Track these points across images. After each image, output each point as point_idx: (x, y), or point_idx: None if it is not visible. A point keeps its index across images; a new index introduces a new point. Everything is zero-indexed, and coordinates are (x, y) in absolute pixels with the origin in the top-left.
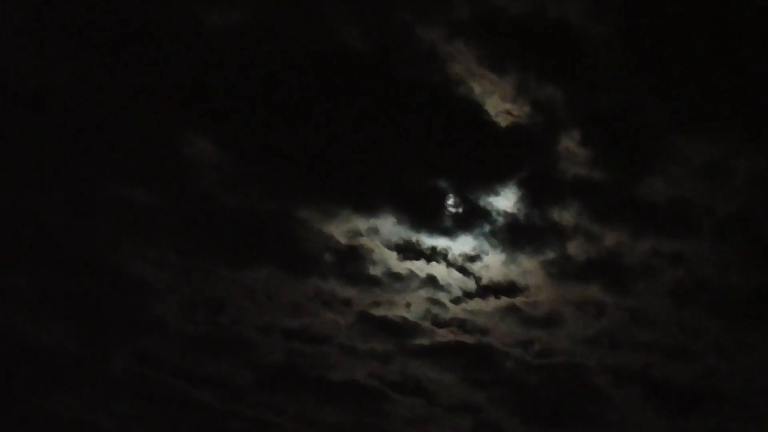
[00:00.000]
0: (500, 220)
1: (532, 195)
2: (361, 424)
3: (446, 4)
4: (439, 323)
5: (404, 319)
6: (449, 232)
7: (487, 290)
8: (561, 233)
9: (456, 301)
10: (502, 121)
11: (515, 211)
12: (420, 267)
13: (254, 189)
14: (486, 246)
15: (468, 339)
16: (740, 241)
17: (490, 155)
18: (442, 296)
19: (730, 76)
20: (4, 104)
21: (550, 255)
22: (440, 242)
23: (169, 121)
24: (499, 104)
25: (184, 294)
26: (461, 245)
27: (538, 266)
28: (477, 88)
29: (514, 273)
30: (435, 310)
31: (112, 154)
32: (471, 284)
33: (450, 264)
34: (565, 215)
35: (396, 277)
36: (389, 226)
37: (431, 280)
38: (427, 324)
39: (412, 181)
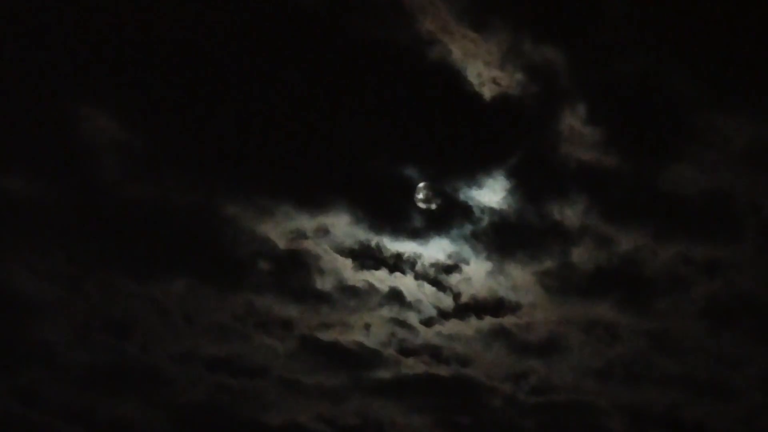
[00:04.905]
0: (485, 219)
1: (525, 187)
2: None
3: None
4: (406, 351)
5: (361, 345)
6: (419, 235)
7: (467, 309)
8: (563, 236)
9: (428, 322)
10: (487, 93)
11: (504, 207)
12: (381, 279)
13: (169, 178)
14: (467, 252)
15: (443, 371)
16: None
17: (472, 136)
18: (410, 316)
19: None
20: None
21: (549, 264)
22: (408, 247)
23: (58, 90)
24: (484, 71)
25: (78, 313)
26: (435, 251)
27: (533, 278)
28: (455, 51)
29: (502, 287)
30: (401, 333)
31: None
32: (447, 301)
33: (420, 275)
34: (569, 213)
35: (350, 291)
36: (342, 226)
37: (396, 296)
38: (390, 352)
39: (372, 169)
